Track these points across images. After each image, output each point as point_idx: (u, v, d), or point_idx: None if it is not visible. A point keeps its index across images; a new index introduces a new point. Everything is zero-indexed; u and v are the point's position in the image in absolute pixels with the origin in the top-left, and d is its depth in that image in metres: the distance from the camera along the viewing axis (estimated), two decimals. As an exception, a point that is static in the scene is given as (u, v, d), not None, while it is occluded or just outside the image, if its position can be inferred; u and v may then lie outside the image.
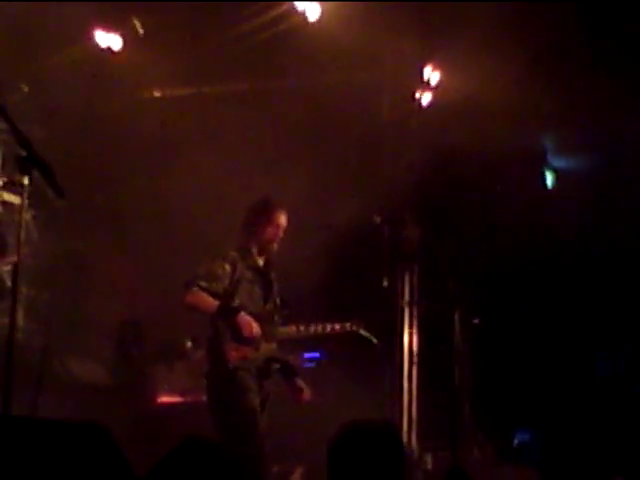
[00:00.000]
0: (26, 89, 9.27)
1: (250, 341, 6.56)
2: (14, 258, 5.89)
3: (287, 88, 10.40)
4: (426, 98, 9.65)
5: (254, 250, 6.93)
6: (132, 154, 10.17)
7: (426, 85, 9.59)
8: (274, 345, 6.78)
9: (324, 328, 6.99)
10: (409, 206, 9.40)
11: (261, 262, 6.99)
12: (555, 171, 11.20)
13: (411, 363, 9.57)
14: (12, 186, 8.12)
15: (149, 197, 10.26)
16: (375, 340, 7.32)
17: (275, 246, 6.98)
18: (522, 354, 9.98)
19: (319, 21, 9.27)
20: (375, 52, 9.28)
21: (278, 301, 7.02)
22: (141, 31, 9.72)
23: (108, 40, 9.68)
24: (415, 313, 9.49)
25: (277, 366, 6.85)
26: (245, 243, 6.95)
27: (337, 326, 6.99)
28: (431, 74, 9.54)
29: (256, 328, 6.57)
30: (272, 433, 8.50)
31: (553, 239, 10.74)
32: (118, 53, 9.76)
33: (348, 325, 7.00)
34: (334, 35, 9.09)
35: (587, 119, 10.01)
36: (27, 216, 8.03)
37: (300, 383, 6.96)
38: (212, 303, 6.60)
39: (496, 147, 9.55)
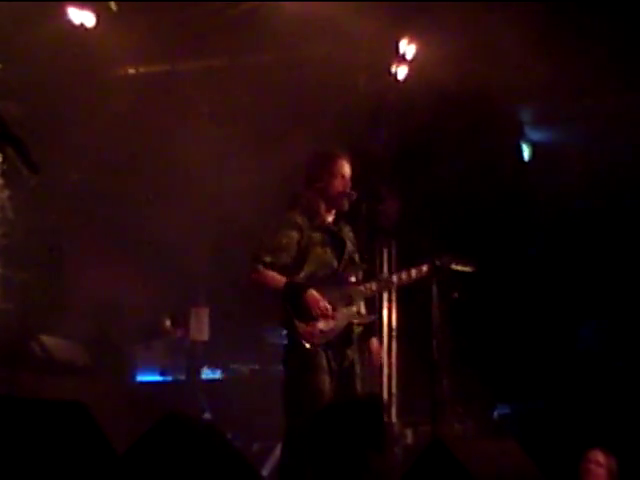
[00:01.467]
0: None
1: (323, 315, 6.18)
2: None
3: (262, 64, 10.33)
4: (402, 72, 9.61)
5: (322, 207, 6.46)
6: (107, 131, 10.10)
7: (402, 59, 9.55)
8: (354, 308, 6.35)
9: (409, 276, 6.53)
10: (386, 181, 9.40)
11: (330, 219, 6.53)
12: (532, 144, 11.21)
13: (390, 337, 9.58)
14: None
15: (126, 173, 10.21)
16: (472, 268, 6.74)
17: (346, 204, 6.50)
18: (502, 327, 10.00)
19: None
20: (350, 26, 9.23)
21: (356, 257, 6.55)
22: (115, 8, 9.63)
23: (81, 16, 9.59)
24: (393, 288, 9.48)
25: (360, 329, 6.42)
26: (311, 202, 6.48)
27: (413, 272, 6.50)
28: (407, 47, 9.50)
29: (323, 304, 6.14)
30: (253, 410, 8.56)
31: (531, 213, 10.77)
32: (91, 30, 9.66)
33: (425, 268, 6.49)
34: (309, 9, 9.05)
35: (565, 92, 10.01)
36: (3, 195, 7.99)
37: (373, 346, 6.58)
38: (278, 282, 6.19)
39: (472, 119, 9.55)
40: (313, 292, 6.16)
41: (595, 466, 7.31)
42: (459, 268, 6.65)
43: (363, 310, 6.51)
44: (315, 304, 6.14)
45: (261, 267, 6.20)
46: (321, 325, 6.17)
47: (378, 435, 4.02)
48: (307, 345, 6.12)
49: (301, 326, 6.12)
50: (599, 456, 7.36)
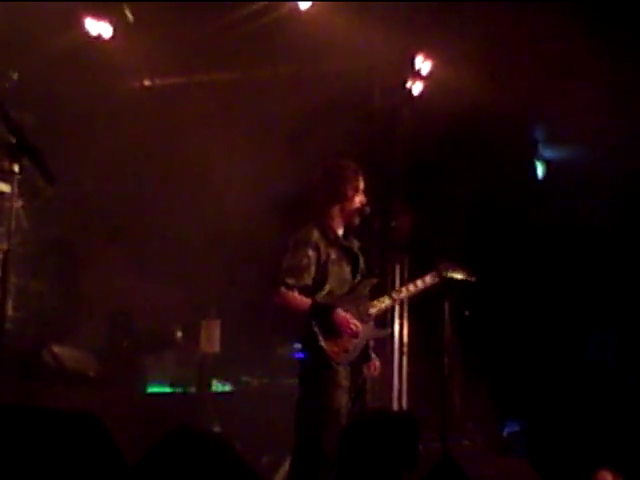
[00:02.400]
0: (16, 77, 9.21)
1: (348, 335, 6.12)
2: (4, 247, 5.86)
3: (278, 76, 10.36)
4: (417, 87, 9.64)
5: (336, 222, 6.40)
6: (122, 142, 10.12)
7: (417, 74, 9.58)
8: (371, 324, 6.30)
9: (415, 287, 6.50)
10: (399, 196, 9.41)
11: (341, 232, 6.44)
12: (546, 162, 11.21)
13: (401, 353, 9.57)
14: (2, 174, 8.06)
15: (140, 185, 10.24)
16: (473, 278, 6.70)
17: (358, 219, 6.43)
18: (514, 345, 9.99)
19: (311, 9, 9.26)
20: (366, 40, 9.25)
21: (364, 271, 6.49)
22: (131, 18, 9.67)
23: (98, 28, 9.65)
24: (405, 304, 9.48)
25: (372, 343, 6.39)
26: (326, 216, 6.39)
27: (426, 279, 6.48)
28: (422, 64, 9.53)
29: (353, 322, 6.12)
30: (262, 423, 8.55)
31: (543, 228, 10.76)
32: (108, 41, 9.71)
33: (429, 277, 6.48)
34: (325, 23, 9.08)
35: (578, 111, 10.01)
36: (17, 204, 8.02)
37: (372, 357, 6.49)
38: (303, 303, 6.12)
39: (486, 136, 9.57)
40: (341, 312, 6.13)
41: None
42: (459, 277, 6.62)
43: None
44: (346, 323, 6.11)
45: (283, 289, 6.14)
46: (348, 344, 6.16)
47: (412, 454, 4.01)
48: (335, 364, 6.09)
49: (329, 345, 6.09)
50: (608, 477, 7.30)
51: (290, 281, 6.14)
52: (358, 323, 6.15)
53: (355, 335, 6.13)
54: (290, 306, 6.17)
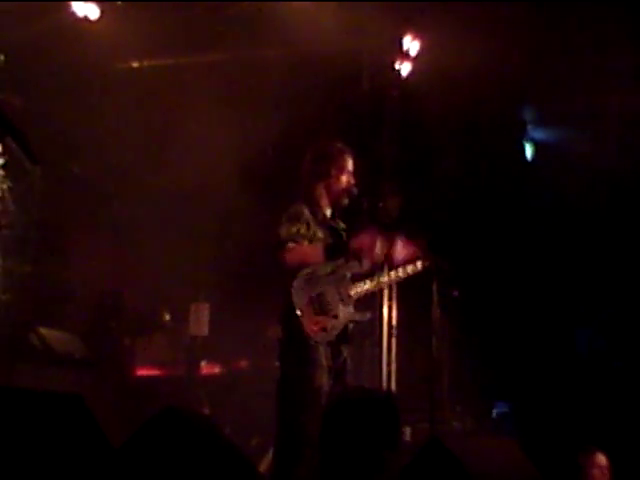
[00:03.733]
0: (2, 58, 9.15)
1: (327, 310, 6.14)
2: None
3: (267, 59, 10.33)
4: (406, 68, 9.61)
5: (324, 202, 6.43)
6: (109, 124, 10.09)
7: (405, 55, 9.54)
8: (351, 307, 6.29)
9: (397, 274, 6.50)
10: (387, 178, 9.39)
11: (329, 213, 6.49)
12: (534, 143, 11.20)
13: (390, 336, 9.57)
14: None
15: (126, 167, 10.19)
16: (446, 266, 6.58)
17: (346, 200, 6.48)
18: (502, 326, 9.99)
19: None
20: (355, 22, 9.22)
21: (348, 253, 6.45)
22: (119, 0, 9.62)
23: (85, 9, 9.59)
24: (394, 286, 9.47)
25: (352, 326, 6.37)
26: (316, 196, 6.42)
27: (410, 267, 6.48)
28: (410, 44, 9.49)
29: (372, 241, 6.31)
30: (252, 405, 8.55)
31: (532, 212, 10.76)
32: (95, 22, 9.66)
33: (419, 264, 6.49)
34: (313, 5, 9.04)
35: (567, 91, 10.00)
36: (3, 187, 7.99)
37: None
38: (316, 250, 6.25)
39: (476, 118, 9.55)
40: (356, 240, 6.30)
41: (599, 472, 7.22)
42: (442, 266, 6.60)
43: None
44: (366, 243, 6.30)
45: (291, 245, 6.16)
46: (327, 323, 6.15)
47: (393, 433, 3.99)
48: (313, 342, 6.09)
49: (307, 323, 6.09)
50: (603, 461, 7.27)
51: (292, 245, 6.17)
52: (378, 244, 6.29)
53: (373, 254, 6.27)
54: (307, 258, 6.21)
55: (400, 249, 6.47)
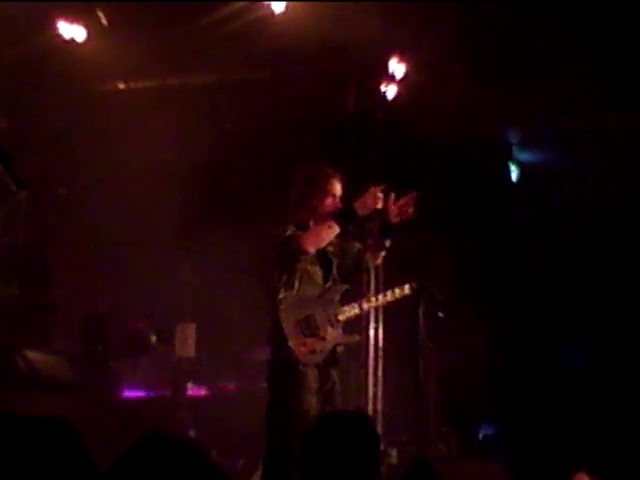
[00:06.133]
0: (-13, 80, 9.17)
1: (315, 332, 6.11)
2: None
3: (252, 81, 10.36)
4: (391, 91, 9.63)
5: (311, 225, 6.35)
6: (95, 147, 10.10)
7: (391, 78, 9.57)
8: (339, 330, 6.25)
9: (385, 297, 6.51)
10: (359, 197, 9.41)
11: None
12: (520, 165, 11.25)
13: (377, 357, 9.57)
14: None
15: (112, 189, 10.19)
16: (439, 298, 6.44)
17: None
18: (488, 347, 10.00)
19: (285, 12, 9.24)
20: (341, 44, 9.26)
21: (336, 276, 6.46)
22: (105, 22, 9.63)
23: (71, 31, 9.60)
24: (380, 308, 9.47)
25: (342, 349, 6.32)
26: (301, 219, 6.36)
27: (397, 291, 6.45)
28: (396, 66, 9.52)
29: (375, 196, 6.30)
30: (238, 427, 8.53)
31: (517, 233, 10.80)
32: (82, 44, 9.67)
33: (407, 287, 6.43)
34: (300, 26, 9.07)
35: (553, 114, 10.06)
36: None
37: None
38: (326, 226, 6.20)
39: (461, 140, 9.58)
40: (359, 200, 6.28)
41: None
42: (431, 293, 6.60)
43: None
44: (369, 200, 6.29)
45: (298, 232, 6.19)
46: (316, 345, 6.14)
47: (374, 453, 4.00)
48: (301, 365, 6.09)
49: (296, 346, 6.09)
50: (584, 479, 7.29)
51: (300, 232, 6.18)
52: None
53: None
54: (320, 236, 6.22)
55: (392, 209, 6.49)
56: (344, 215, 6.31)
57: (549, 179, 10.97)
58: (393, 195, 6.46)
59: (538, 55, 9.16)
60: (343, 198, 6.46)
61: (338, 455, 3.91)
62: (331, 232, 6.24)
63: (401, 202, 6.49)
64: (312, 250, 6.18)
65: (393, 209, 6.46)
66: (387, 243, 6.55)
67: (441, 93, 9.21)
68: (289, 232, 6.18)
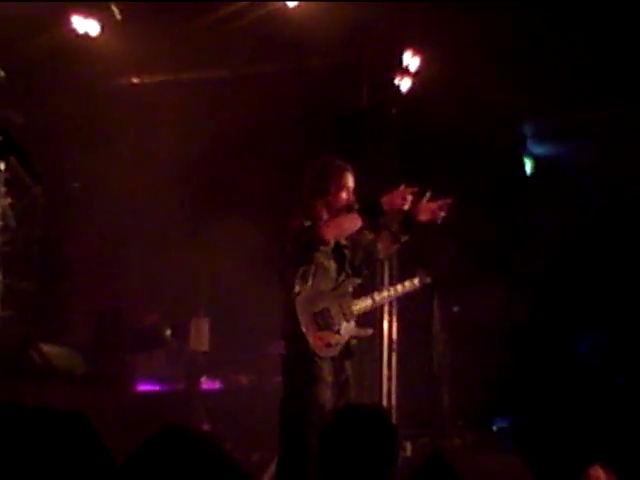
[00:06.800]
0: (3, 74, 9.18)
1: (330, 325, 6.10)
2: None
3: (265, 75, 10.36)
4: (405, 84, 9.61)
5: (324, 219, 6.28)
6: (110, 141, 10.11)
7: (405, 71, 9.56)
8: (353, 323, 6.26)
9: (397, 290, 6.54)
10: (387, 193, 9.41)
11: None
12: (534, 158, 11.23)
13: (390, 350, 9.56)
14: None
15: (127, 183, 10.20)
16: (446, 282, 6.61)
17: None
18: (502, 341, 10.00)
19: (299, 6, 9.24)
20: (355, 37, 9.25)
21: (350, 269, 6.43)
22: (119, 16, 9.65)
23: (85, 25, 9.62)
24: (393, 301, 9.46)
25: (355, 342, 6.32)
26: (314, 212, 6.30)
27: (407, 284, 6.47)
28: (410, 60, 9.50)
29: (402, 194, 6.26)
30: (252, 421, 8.54)
31: (532, 226, 10.78)
32: (96, 39, 9.69)
33: (417, 280, 6.45)
34: (313, 20, 9.07)
35: (567, 106, 10.04)
36: (4, 203, 7.99)
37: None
38: (350, 218, 6.20)
39: (475, 133, 9.57)
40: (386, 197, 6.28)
41: None
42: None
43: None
44: (397, 197, 6.27)
45: (321, 222, 6.16)
46: (331, 338, 6.16)
47: (393, 447, 4.00)
48: (317, 358, 6.09)
49: (311, 339, 6.10)
50: (600, 473, 7.26)
51: (322, 222, 6.15)
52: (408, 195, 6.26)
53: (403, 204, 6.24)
54: (344, 225, 6.22)
55: (424, 208, 6.50)
56: (369, 208, 6.31)
57: (563, 172, 10.94)
58: (429, 194, 6.46)
59: (553, 47, 9.13)
60: (356, 191, 6.46)
61: (356, 449, 3.91)
62: (353, 225, 6.23)
63: (434, 205, 6.49)
64: (332, 240, 6.17)
65: (425, 208, 6.46)
66: (404, 238, 6.54)
67: (455, 86, 9.20)
68: (307, 223, 6.16)
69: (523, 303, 10.39)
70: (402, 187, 6.30)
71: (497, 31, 8.94)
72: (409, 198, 6.31)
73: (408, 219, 6.47)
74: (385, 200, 6.29)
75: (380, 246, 6.61)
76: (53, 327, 9.48)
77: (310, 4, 9.19)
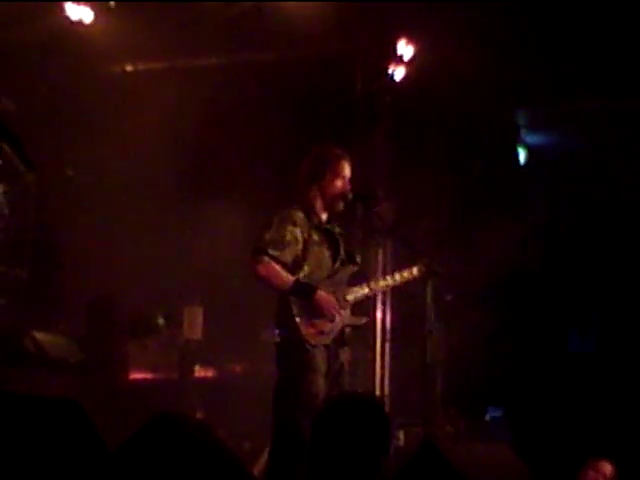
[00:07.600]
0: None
1: (328, 317, 6.15)
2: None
3: (259, 63, 10.34)
4: (399, 73, 9.61)
5: (320, 206, 6.38)
6: (103, 128, 10.09)
7: (399, 59, 9.54)
8: (347, 311, 6.29)
9: (394, 279, 6.53)
10: (381, 182, 9.42)
11: (324, 217, 6.44)
12: (528, 147, 11.23)
13: (384, 340, 9.57)
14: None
15: (120, 171, 10.18)
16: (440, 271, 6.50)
17: (341, 205, 6.43)
18: (494, 330, 10.01)
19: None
20: (348, 25, 9.24)
21: (345, 257, 6.46)
22: (112, 3, 9.62)
23: (79, 12, 9.58)
24: (388, 290, 9.47)
25: (349, 330, 6.36)
26: (310, 200, 6.38)
27: (405, 273, 6.47)
28: (404, 48, 9.49)
29: (335, 306, 6.15)
30: (245, 409, 8.55)
31: (525, 216, 10.78)
32: (89, 26, 9.66)
33: (416, 270, 6.45)
34: (307, 8, 9.05)
35: (561, 95, 10.04)
36: (-2, 190, 7.99)
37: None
38: (286, 279, 6.08)
39: (469, 122, 9.56)
40: (324, 293, 6.15)
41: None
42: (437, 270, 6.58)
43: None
44: (330, 305, 6.14)
45: (266, 259, 6.09)
46: (324, 326, 6.15)
47: (385, 436, 4.02)
48: (310, 346, 6.08)
49: (304, 326, 6.10)
50: (607, 467, 7.25)
51: (273, 252, 6.10)
52: (337, 305, 6.17)
53: (332, 319, 6.14)
54: (272, 279, 6.13)
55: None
56: (363, 198, 6.33)
57: (557, 162, 10.95)
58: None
59: (547, 36, 9.12)
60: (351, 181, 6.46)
61: (348, 438, 3.92)
62: (281, 285, 6.13)
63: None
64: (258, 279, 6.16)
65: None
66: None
67: (449, 75, 9.19)
68: (267, 239, 6.14)
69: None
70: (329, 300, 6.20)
71: (492, 20, 8.93)
72: (337, 312, 6.22)
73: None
74: (319, 301, 6.15)
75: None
76: (46, 315, 9.46)
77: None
